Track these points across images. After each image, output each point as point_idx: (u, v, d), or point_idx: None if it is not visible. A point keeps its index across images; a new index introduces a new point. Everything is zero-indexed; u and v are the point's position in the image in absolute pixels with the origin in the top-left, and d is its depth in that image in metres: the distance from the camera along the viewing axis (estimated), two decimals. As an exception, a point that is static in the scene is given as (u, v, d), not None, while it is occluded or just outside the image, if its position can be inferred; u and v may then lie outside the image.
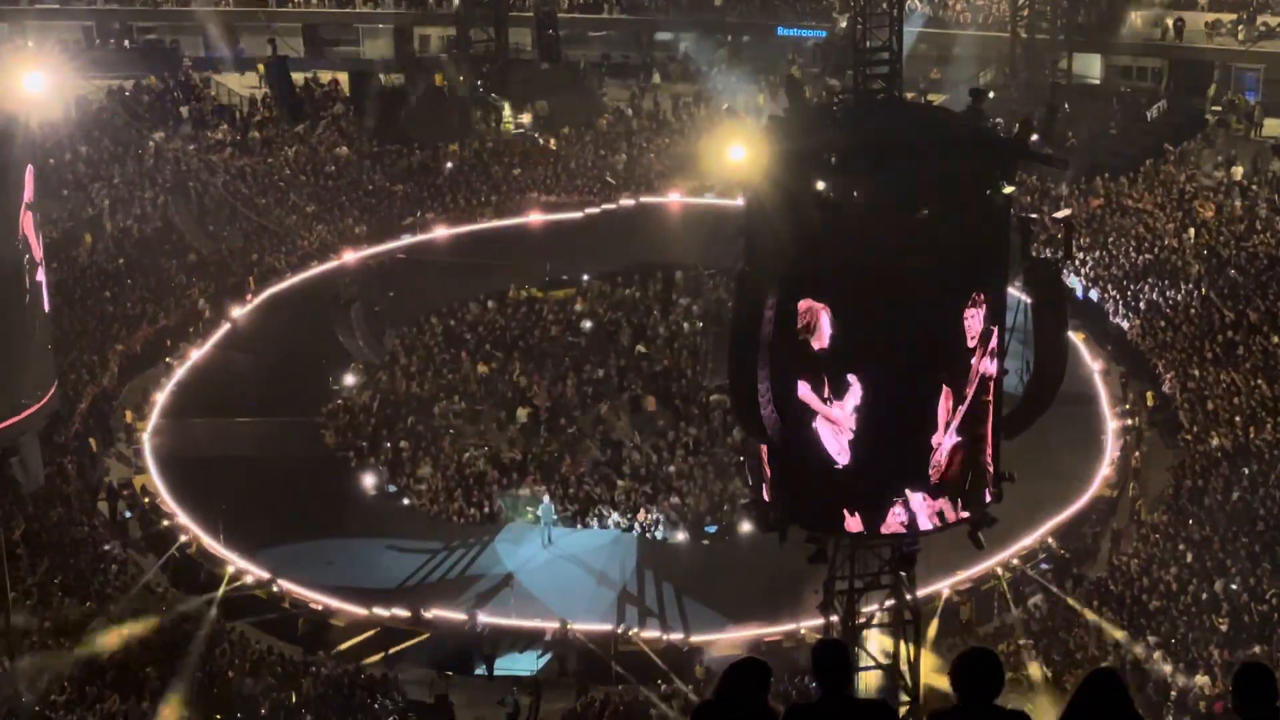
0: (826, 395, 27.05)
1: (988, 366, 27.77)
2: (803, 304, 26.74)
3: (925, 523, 27.89)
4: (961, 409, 27.46)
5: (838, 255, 26.90)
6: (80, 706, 39.06)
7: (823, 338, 26.86)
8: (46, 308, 34.17)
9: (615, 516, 49.72)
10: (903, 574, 31.60)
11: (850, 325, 26.77)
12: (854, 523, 28.02)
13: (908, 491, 27.56)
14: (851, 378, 26.66)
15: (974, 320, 27.31)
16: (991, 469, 28.55)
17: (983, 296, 27.51)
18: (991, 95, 30.60)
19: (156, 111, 69.04)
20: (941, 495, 27.82)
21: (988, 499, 28.83)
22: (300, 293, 59.04)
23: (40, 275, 33.42)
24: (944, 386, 27.33)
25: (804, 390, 27.24)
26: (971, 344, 27.33)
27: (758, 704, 9.33)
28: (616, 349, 57.46)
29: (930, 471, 27.45)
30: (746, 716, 9.29)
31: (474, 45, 71.05)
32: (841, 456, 27.29)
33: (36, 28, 71.24)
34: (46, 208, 47.54)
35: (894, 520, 27.69)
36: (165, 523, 48.06)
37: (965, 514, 28.35)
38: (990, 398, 27.98)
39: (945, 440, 27.45)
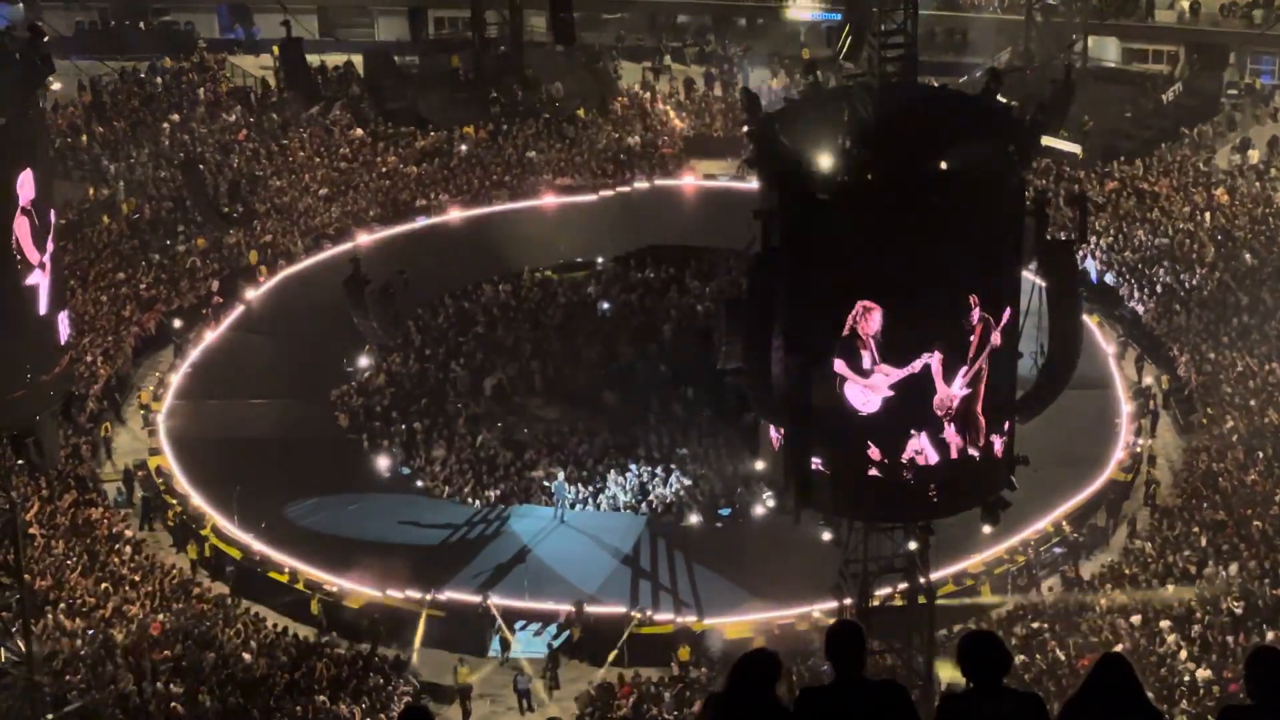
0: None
1: (994, 337, 28.84)
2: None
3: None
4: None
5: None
6: (94, 688, 39.21)
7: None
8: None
9: (629, 498, 49.78)
10: (916, 557, 31.70)
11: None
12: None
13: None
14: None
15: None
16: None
17: (991, 282, 28.64)
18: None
19: (171, 93, 69.07)
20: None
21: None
22: (314, 274, 59.05)
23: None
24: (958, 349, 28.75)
25: (839, 365, 28.37)
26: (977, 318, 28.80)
27: (767, 696, 9.30)
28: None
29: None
30: (756, 709, 9.26)
31: (488, 27, 70.95)
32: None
33: (53, 9, 71.20)
34: (61, 190, 47.60)
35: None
36: (179, 504, 48.23)
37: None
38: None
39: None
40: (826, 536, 31.12)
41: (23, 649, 35.91)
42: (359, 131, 66.98)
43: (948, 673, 33.08)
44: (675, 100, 70.91)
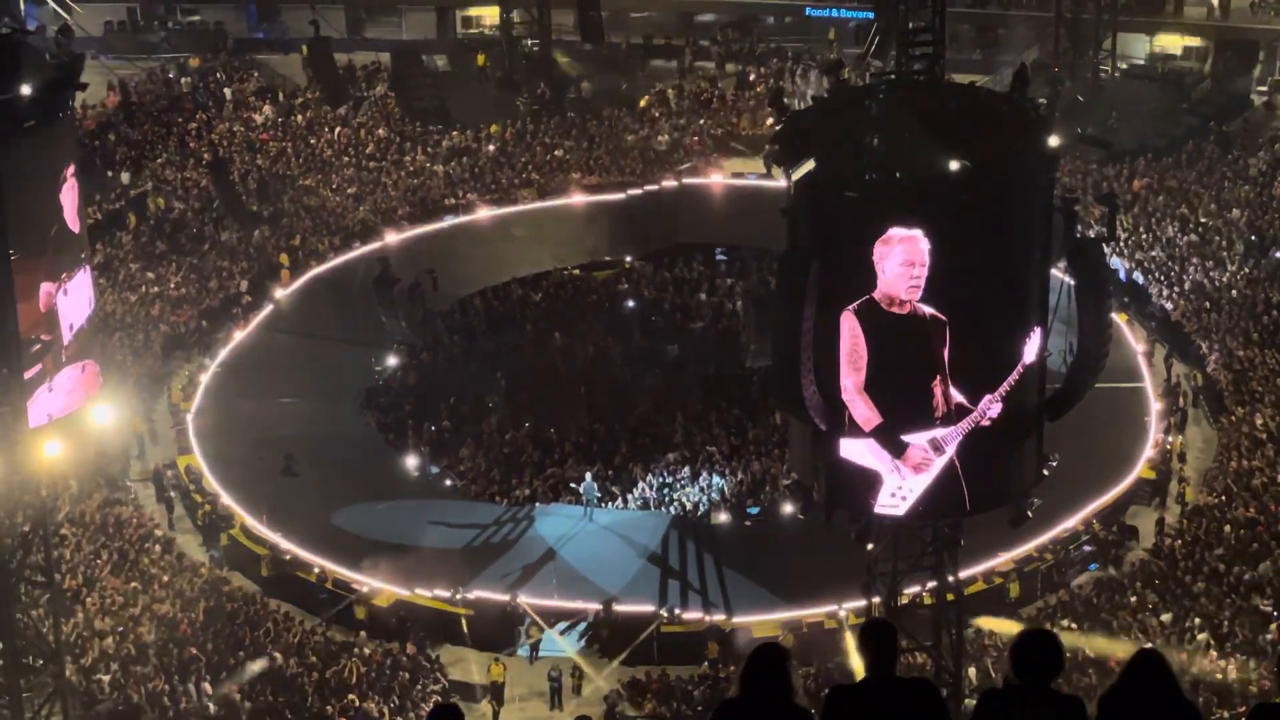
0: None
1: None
2: None
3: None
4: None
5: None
6: (125, 685, 39.32)
7: None
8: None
9: (657, 497, 49.78)
10: (945, 555, 31.62)
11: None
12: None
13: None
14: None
15: None
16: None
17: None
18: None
19: (199, 93, 69.24)
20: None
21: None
22: (342, 274, 59.16)
23: None
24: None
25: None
26: None
27: (783, 697, 9.15)
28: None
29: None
30: (773, 712, 9.06)
31: (516, 26, 71.00)
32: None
33: (81, 9, 71.45)
34: (90, 189, 47.77)
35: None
36: (209, 504, 48.34)
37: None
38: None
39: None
40: (870, 546, 30.90)
41: (53, 647, 36.03)
42: (386, 130, 67.05)
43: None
44: (702, 99, 70.83)
